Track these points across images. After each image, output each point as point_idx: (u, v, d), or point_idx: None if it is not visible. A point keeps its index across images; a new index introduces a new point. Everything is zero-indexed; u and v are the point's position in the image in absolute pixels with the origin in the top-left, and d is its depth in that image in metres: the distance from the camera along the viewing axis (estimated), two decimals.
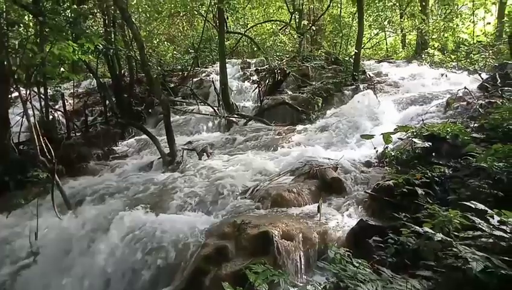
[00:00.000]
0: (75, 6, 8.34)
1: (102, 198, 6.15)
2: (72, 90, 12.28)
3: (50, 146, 5.62)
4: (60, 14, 7.51)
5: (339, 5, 16.50)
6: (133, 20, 10.26)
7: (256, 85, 12.07)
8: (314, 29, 16.21)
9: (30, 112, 6.30)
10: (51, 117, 9.38)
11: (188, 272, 3.98)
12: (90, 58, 8.54)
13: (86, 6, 9.62)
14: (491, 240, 2.25)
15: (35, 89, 8.81)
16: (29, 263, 4.92)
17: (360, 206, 4.73)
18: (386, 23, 16.86)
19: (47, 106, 9.21)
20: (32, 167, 6.30)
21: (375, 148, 5.94)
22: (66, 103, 10.48)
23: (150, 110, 11.87)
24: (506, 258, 2.09)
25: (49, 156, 5.48)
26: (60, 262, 4.79)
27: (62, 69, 6.66)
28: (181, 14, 16.11)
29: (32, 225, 5.05)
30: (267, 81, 12.09)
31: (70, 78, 10.20)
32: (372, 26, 17.09)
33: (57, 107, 11.05)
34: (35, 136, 5.50)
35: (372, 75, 12.13)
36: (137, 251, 4.38)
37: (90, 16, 9.96)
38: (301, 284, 3.55)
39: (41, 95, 9.12)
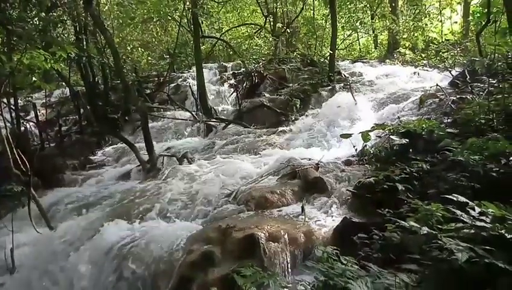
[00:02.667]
0: (43, 14, 8.11)
1: (81, 209, 5.98)
2: (44, 100, 11.89)
3: (24, 158, 5.41)
4: (28, 22, 7.28)
5: (312, 8, 16.72)
6: (105, 26, 10.06)
7: (233, 89, 12.06)
8: (288, 31, 16.39)
9: (1, 123, 6.07)
10: (22, 128, 9.06)
11: (174, 280, 3.91)
12: (62, 66, 8.32)
13: (55, 14, 9.39)
14: (472, 231, 2.32)
15: (5, 100, 8.49)
16: (5, 281, 4.73)
17: (343, 205, 4.80)
18: (358, 24, 17.21)
19: (18, 117, 8.89)
20: (6, 181, 6.06)
21: (354, 146, 6.04)
22: (38, 113, 10.16)
23: (126, 118, 11.65)
24: (488, 248, 2.16)
25: (23, 169, 5.28)
26: (38, 278, 4.62)
27: (34, 78, 6.43)
28: (154, 20, 15.89)
29: (8, 241, 4.85)
30: (245, 85, 12.11)
31: (42, 88, 9.90)
32: (345, 27, 17.40)
33: (28, 118, 10.69)
34: (8, 149, 5.29)
35: (347, 75, 12.34)
36: (119, 263, 4.27)
37: (60, 24, 9.70)
38: (289, 285, 3.56)
39: (12, 106, 8.80)
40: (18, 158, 5.41)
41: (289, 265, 3.86)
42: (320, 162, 5.92)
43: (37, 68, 6.48)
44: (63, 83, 11.66)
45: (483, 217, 2.40)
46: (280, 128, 9.10)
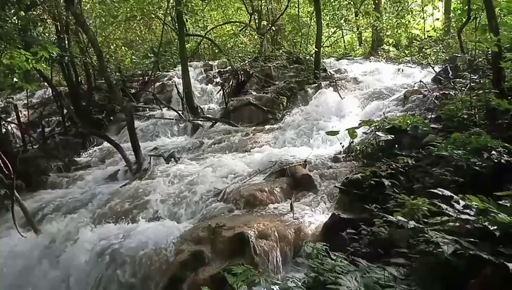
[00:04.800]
0: (22, 12, 7.91)
1: (67, 212, 5.88)
2: (25, 101, 11.62)
3: (6, 161, 5.29)
4: (7, 21, 7.10)
5: (297, 5, 16.77)
6: (88, 25, 9.88)
7: (220, 87, 12.01)
8: (274, 29, 16.38)
9: None
10: (4, 130, 8.85)
11: (165, 280, 3.91)
12: (44, 66, 8.15)
13: (35, 13, 9.17)
14: (457, 224, 2.39)
15: None
16: None
17: (331, 201, 4.86)
18: (342, 21, 17.34)
19: None
20: None
21: (341, 143, 6.09)
22: (20, 115, 9.93)
23: (111, 118, 11.48)
24: (473, 240, 2.23)
25: (6, 171, 5.16)
26: (24, 284, 4.54)
27: (15, 79, 6.29)
28: (138, 18, 15.68)
29: None
30: (231, 83, 12.06)
31: (23, 88, 9.68)
32: (330, 24, 17.51)
33: (10, 119, 10.44)
34: None
35: (332, 72, 12.39)
36: (108, 266, 4.24)
37: (41, 22, 9.49)
38: (280, 282, 3.59)
39: None
40: (0, 161, 5.29)
41: (279, 262, 3.90)
42: (307, 160, 5.96)
43: (18, 68, 6.35)
44: (45, 83, 11.43)
45: (468, 210, 2.47)
46: (267, 126, 9.12)
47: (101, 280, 4.18)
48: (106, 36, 15.00)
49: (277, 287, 2.72)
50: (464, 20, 8.82)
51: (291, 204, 4.76)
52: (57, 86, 11.71)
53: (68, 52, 10.12)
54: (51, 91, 11.43)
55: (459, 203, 2.52)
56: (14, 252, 4.92)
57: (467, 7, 8.32)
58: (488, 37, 4.80)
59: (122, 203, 5.71)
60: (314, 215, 4.56)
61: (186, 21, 14.86)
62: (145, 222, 5.07)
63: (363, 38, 19.72)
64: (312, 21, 14.87)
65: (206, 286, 3.37)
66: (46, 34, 10.84)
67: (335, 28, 18.10)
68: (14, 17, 7.90)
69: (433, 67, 9.74)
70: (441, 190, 2.75)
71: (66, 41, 10.64)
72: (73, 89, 11.13)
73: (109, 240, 4.53)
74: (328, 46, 18.65)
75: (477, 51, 7.00)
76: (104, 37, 14.73)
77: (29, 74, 10.21)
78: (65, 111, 10.64)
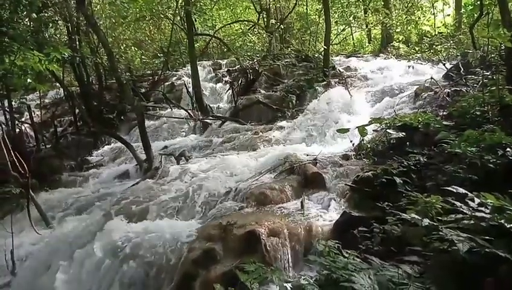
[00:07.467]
0: (34, 14, 8.03)
1: (80, 210, 5.98)
2: (38, 102, 11.81)
3: (21, 160, 5.39)
4: (20, 23, 7.22)
5: (305, 3, 16.71)
6: (98, 26, 9.97)
7: (229, 86, 12.04)
8: (282, 27, 16.36)
9: None
10: (17, 130, 9.00)
11: (177, 277, 3.94)
12: (56, 67, 8.27)
13: (47, 14, 9.30)
14: (472, 222, 2.36)
15: None
16: (7, 283, 4.73)
17: (341, 199, 4.83)
18: (351, 18, 17.22)
19: (13, 119, 8.84)
20: (2, 183, 6.03)
21: (351, 141, 6.08)
22: (33, 115, 10.10)
23: (122, 117, 11.60)
24: (488, 237, 2.20)
25: (21, 171, 5.26)
26: (39, 280, 4.62)
27: (29, 80, 6.39)
28: (147, 18, 15.79)
29: (8, 243, 4.84)
30: (240, 82, 12.08)
31: (36, 89, 9.83)
32: (338, 22, 17.39)
33: (23, 119, 10.62)
34: (5, 151, 5.27)
35: (342, 70, 12.34)
36: (121, 263, 4.28)
37: (52, 24, 9.62)
38: (291, 280, 3.59)
39: (6, 108, 8.75)
40: (15, 160, 5.39)
41: (291, 260, 3.89)
42: (318, 158, 5.94)
43: (31, 69, 6.44)
44: (57, 84, 11.59)
45: (483, 208, 2.44)
46: (277, 125, 9.11)
47: (114, 277, 4.23)
48: (116, 36, 15.13)
49: (290, 284, 2.73)
50: (476, 15, 8.71)
51: (301, 202, 4.75)
52: (69, 86, 11.86)
53: (79, 52, 10.25)
54: (62, 91, 11.59)
55: (473, 201, 2.50)
56: (29, 249, 5.02)
57: (479, 2, 8.23)
58: (502, 32, 4.73)
59: (133, 202, 5.77)
60: (324, 214, 4.55)
61: (195, 20, 14.94)
62: (156, 220, 5.12)
63: (372, 35, 19.56)
64: (321, 19, 14.77)
65: (218, 283, 3.40)
66: (58, 35, 10.99)
67: (344, 26, 17.98)
68: (27, 19, 8.04)
69: (444, 64, 9.62)
70: (455, 187, 2.73)
71: (77, 42, 10.77)
72: (85, 89, 11.27)
73: (121, 237, 4.57)
74: (337, 44, 18.52)
75: (489, 46, 6.89)
76: (114, 37, 14.85)
77: (41, 74, 10.35)
78: (77, 111, 10.80)
